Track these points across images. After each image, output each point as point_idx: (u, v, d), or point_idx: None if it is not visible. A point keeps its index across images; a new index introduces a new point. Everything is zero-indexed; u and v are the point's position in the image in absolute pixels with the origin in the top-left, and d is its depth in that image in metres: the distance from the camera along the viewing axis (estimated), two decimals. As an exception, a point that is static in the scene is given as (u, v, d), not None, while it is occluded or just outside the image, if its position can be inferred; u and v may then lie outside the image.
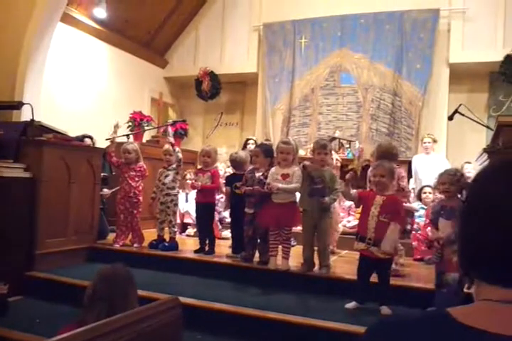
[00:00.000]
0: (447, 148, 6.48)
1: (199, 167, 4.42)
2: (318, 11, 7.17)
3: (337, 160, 4.50)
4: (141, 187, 4.44)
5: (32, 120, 3.91)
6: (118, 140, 4.67)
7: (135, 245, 4.38)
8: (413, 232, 4.40)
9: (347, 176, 3.22)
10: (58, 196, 3.93)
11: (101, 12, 6.61)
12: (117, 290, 1.81)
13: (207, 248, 4.24)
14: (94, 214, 4.37)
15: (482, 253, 0.64)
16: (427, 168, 5.38)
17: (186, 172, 5.60)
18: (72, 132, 4.43)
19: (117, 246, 4.32)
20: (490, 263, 0.63)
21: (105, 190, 4.84)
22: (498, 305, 0.61)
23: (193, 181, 4.41)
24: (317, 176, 3.55)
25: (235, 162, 4.32)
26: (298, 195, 3.79)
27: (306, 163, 3.59)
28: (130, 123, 6.11)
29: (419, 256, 4.29)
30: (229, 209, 4.44)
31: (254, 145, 5.18)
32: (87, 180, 4.26)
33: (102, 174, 4.67)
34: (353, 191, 3.23)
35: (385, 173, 3.03)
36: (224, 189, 4.45)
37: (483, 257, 0.64)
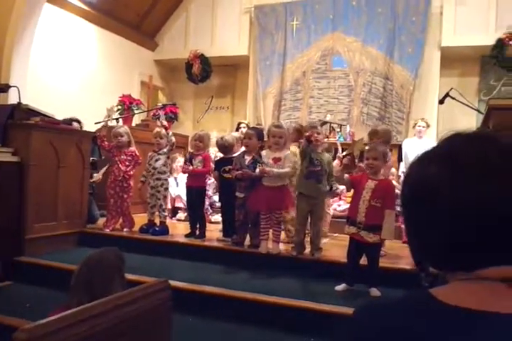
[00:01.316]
0: (437, 132, 6.49)
1: (190, 151, 4.38)
2: (310, -8, 7.07)
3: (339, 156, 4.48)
4: (131, 172, 4.41)
5: (19, 103, 3.85)
6: (103, 123, 4.62)
7: (125, 229, 4.37)
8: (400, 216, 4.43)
9: (344, 161, 3.22)
10: (47, 180, 3.89)
11: (89, -7, 6.47)
12: (98, 276, 1.79)
13: (197, 232, 4.24)
14: (83, 199, 4.34)
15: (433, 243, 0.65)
16: (416, 152, 5.36)
17: (176, 155, 5.57)
18: (60, 115, 4.36)
19: (107, 230, 4.31)
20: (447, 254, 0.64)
21: (95, 175, 4.80)
22: (477, 283, 0.62)
23: (185, 165, 4.37)
24: (315, 158, 3.53)
25: (222, 146, 4.28)
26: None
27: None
28: (119, 107, 6.03)
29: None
30: (218, 193, 4.44)
31: (246, 129, 5.14)
32: (75, 165, 4.22)
33: (91, 158, 4.63)
34: (346, 176, 3.24)
35: (377, 156, 3.04)
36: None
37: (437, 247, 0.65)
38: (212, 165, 4.52)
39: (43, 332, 1.20)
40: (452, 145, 0.68)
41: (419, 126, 5.71)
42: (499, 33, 6.14)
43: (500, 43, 6.11)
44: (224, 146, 4.25)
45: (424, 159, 0.69)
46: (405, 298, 0.66)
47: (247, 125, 5.81)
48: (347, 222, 3.13)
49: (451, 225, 0.62)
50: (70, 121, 4.74)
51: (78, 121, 4.88)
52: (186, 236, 4.22)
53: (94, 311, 1.40)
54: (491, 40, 6.17)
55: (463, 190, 0.62)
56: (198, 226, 4.25)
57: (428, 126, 5.76)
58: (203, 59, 7.61)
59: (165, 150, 4.37)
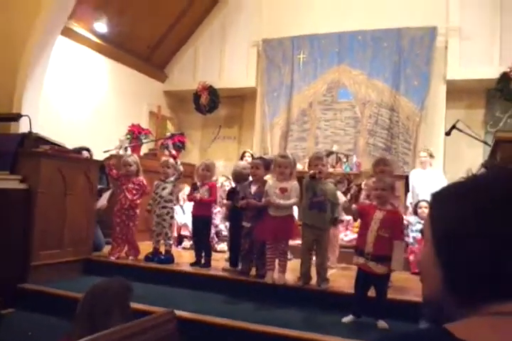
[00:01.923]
0: (444, 163, 6.50)
1: (196, 180, 4.39)
2: (316, 27, 7.26)
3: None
4: (138, 201, 4.43)
5: (29, 132, 3.92)
6: (114, 152, 4.68)
7: (130, 258, 4.35)
8: (410, 246, 4.38)
9: (351, 191, 3.24)
10: (54, 208, 3.90)
11: (101, 26, 6.69)
12: (100, 306, 1.77)
13: (203, 261, 4.21)
14: (89, 226, 4.34)
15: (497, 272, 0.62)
16: (423, 183, 5.38)
17: (183, 185, 5.60)
18: (71, 144, 4.42)
19: (113, 258, 4.29)
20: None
21: (99, 202, 4.80)
22: (498, 318, 0.60)
23: (191, 194, 4.35)
24: (319, 189, 3.54)
25: (240, 175, 4.19)
26: (295, 208, 3.79)
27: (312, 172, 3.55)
28: (128, 136, 6.11)
29: (416, 270, 4.26)
30: (227, 223, 4.41)
31: (250, 158, 5.18)
32: (83, 192, 4.25)
33: (99, 186, 4.66)
34: (353, 206, 3.24)
35: (386, 187, 3.06)
36: (224, 202, 4.43)
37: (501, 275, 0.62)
38: (222, 195, 4.53)
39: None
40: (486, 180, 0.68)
41: (421, 156, 5.74)
42: (504, 67, 6.23)
43: (504, 77, 6.19)
44: (241, 174, 4.23)
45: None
46: (420, 334, 0.64)
47: (251, 154, 5.85)
48: (355, 253, 3.10)
49: (493, 256, 0.62)
50: (79, 149, 4.81)
51: (88, 150, 4.95)
52: (192, 264, 4.18)
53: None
54: (495, 73, 6.25)
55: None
56: (203, 255, 4.23)
57: (431, 156, 5.78)
58: (211, 90, 7.75)
59: (172, 178, 4.39)
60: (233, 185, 4.98)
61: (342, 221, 4.38)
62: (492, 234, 0.62)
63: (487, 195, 0.65)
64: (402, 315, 2.92)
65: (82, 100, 6.69)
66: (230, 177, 5.69)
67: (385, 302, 3.00)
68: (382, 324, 2.90)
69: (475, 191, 0.67)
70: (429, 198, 0.76)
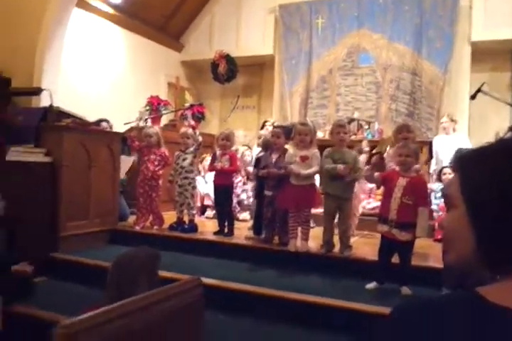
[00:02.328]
0: (469, 128, 6.34)
1: (217, 150, 4.39)
2: (335, -10, 7.02)
3: (367, 145, 4.42)
4: (160, 172, 4.47)
5: (51, 105, 3.94)
6: (135, 124, 4.69)
7: (155, 227, 4.43)
8: (434, 213, 4.35)
9: (373, 160, 3.19)
10: (79, 180, 3.97)
11: (116, -4, 6.59)
12: (126, 275, 1.81)
13: (226, 230, 4.26)
14: (114, 198, 4.42)
15: None
16: (447, 149, 5.26)
17: (204, 156, 5.62)
18: (90, 117, 4.45)
19: (138, 228, 4.38)
20: None
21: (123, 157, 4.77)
22: None
23: (215, 164, 4.34)
24: (338, 158, 3.51)
25: (269, 143, 4.11)
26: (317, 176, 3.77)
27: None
28: (148, 108, 6.11)
29: (439, 237, 4.25)
30: (250, 192, 4.42)
31: (271, 127, 5.14)
32: (106, 165, 4.30)
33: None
34: (376, 174, 3.20)
35: (410, 153, 3.02)
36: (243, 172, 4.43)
37: None
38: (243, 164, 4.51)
39: (83, 327, 1.23)
40: None
41: (442, 122, 5.60)
42: (531, 26, 5.95)
43: (532, 36, 5.92)
44: (270, 143, 4.11)
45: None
46: (452, 299, 0.64)
47: (272, 123, 5.81)
48: (379, 221, 3.09)
49: None
50: (99, 121, 4.85)
51: (107, 121, 4.99)
52: (215, 233, 4.25)
53: (128, 309, 1.41)
54: (522, 34, 5.99)
55: None
56: (226, 224, 4.28)
57: (453, 120, 5.62)
58: (228, 59, 7.63)
59: (191, 149, 4.41)
60: (253, 154, 4.98)
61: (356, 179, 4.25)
62: None
63: None
64: (426, 282, 2.93)
65: (100, 72, 6.68)
66: (250, 147, 5.69)
67: (409, 269, 3.01)
68: (405, 290, 2.92)
69: (508, 153, 0.65)
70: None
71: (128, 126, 5.18)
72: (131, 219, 4.65)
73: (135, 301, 1.47)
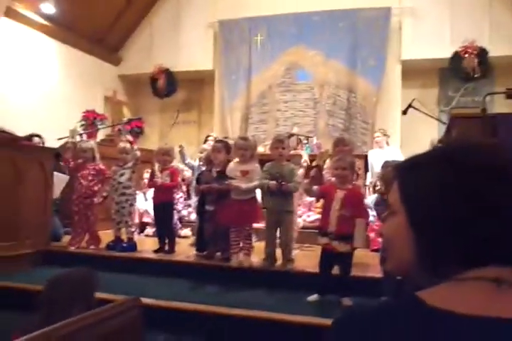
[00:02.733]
0: (401, 142, 6.65)
1: (157, 166, 4.28)
2: (272, 8, 7.20)
3: (305, 160, 4.49)
4: (96, 188, 4.29)
5: (-24, 120, 3.71)
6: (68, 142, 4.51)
7: (91, 247, 4.24)
8: (370, 224, 4.48)
9: (311, 173, 3.24)
10: (7, 199, 3.74)
11: (49, 7, 6.37)
12: (59, 297, 1.73)
13: (167, 247, 4.16)
14: (46, 217, 4.19)
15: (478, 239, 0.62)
16: (381, 162, 5.48)
17: (145, 172, 5.49)
18: (21, 132, 4.24)
19: (72, 248, 4.17)
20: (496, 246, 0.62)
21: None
22: (466, 283, 0.60)
23: (156, 179, 4.23)
24: (276, 172, 3.55)
25: (208, 159, 4.11)
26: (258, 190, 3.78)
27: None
28: (83, 122, 5.91)
29: (375, 247, 4.37)
30: (190, 209, 4.36)
31: (213, 142, 5.11)
32: (38, 182, 4.08)
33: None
34: (315, 187, 3.25)
35: (346, 166, 3.08)
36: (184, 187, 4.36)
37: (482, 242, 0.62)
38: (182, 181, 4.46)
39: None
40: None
41: (375, 136, 5.88)
42: (455, 46, 6.39)
43: (456, 56, 6.36)
44: (209, 158, 4.11)
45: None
46: (392, 305, 0.64)
47: (215, 138, 5.79)
48: (319, 233, 3.14)
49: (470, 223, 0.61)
50: (30, 136, 4.63)
51: (39, 136, 4.77)
52: (155, 251, 4.13)
53: (61, 332, 1.34)
54: (448, 53, 6.42)
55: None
56: (166, 241, 4.18)
57: (386, 135, 5.91)
58: (168, 73, 7.58)
59: (130, 164, 4.28)
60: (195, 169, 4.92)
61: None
62: (469, 199, 0.62)
63: (465, 159, 0.65)
64: (366, 292, 2.99)
65: (31, 86, 6.39)
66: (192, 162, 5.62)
67: (349, 280, 3.06)
68: (346, 301, 2.96)
69: (442, 158, 0.67)
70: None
71: (62, 142, 4.97)
72: (66, 239, 4.43)
73: (69, 324, 1.40)
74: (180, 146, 4.60)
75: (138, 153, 4.30)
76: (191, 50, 7.75)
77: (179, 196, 5.17)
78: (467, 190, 0.62)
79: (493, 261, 0.62)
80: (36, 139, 4.69)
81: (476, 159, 0.64)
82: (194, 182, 4.38)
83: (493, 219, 0.61)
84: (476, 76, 6.29)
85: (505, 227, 0.61)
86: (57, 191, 4.59)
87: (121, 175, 4.25)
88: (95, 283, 1.87)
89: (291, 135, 6.13)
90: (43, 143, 4.78)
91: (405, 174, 0.70)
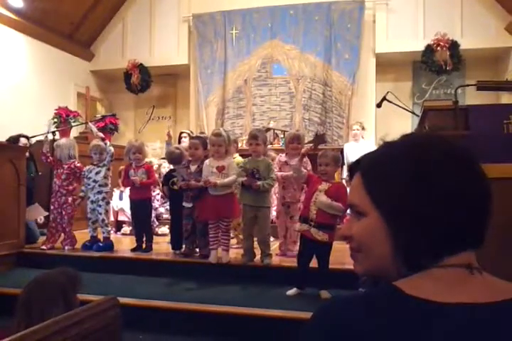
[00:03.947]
0: (376, 135, 6.71)
1: (130, 163, 4.19)
2: (247, 2, 7.15)
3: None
4: (71, 187, 4.21)
5: None
6: (41, 138, 4.41)
7: (67, 247, 4.15)
8: (346, 217, 4.53)
9: (303, 150, 3.25)
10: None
11: (17, 1, 6.19)
12: (37, 298, 1.69)
13: (144, 245, 4.11)
14: (20, 218, 4.10)
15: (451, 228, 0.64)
16: (358, 155, 5.51)
17: (120, 169, 5.40)
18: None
19: (44, 248, 4.09)
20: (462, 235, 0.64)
21: (37, 214, 4.53)
22: (442, 271, 0.62)
23: (133, 178, 4.11)
24: (252, 167, 3.54)
25: (172, 157, 4.04)
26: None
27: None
28: (55, 120, 5.78)
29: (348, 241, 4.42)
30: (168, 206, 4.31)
31: (187, 139, 5.06)
32: (9, 181, 3.99)
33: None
34: (304, 171, 3.26)
35: (329, 162, 3.10)
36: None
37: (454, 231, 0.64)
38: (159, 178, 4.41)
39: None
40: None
41: (354, 129, 5.93)
42: (428, 40, 6.47)
43: (428, 49, 6.44)
44: (173, 157, 4.03)
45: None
46: (371, 294, 0.65)
47: (188, 134, 5.72)
48: (299, 220, 3.16)
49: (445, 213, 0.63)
50: (17, 137, 4.56)
51: (26, 137, 4.68)
52: (132, 250, 4.08)
53: (40, 334, 1.32)
54: (420, 46, 6.50)
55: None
56: (144, 239, 4.13)
57: (363, 128, 5.97)
58: (141, 69, 7.48)
59: (105, 162, 4.21)
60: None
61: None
62: (439, 191, 0.63)
63: (427, 151, 0.66)
64: (344, 285, 3.01)
65: None
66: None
67: (327, 273, 3.08)
68: (325, 294, 2.99)
69: (411, 152, 0.67)
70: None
71: (34, 140, 4.87)
72: (42, 239, 4.33)
73: (45, 327, 1.38)
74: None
75: (112, 149, 4.23)
76: (165, 45, 7.65)
77: (155, 193, 5.12)
78: (429, 182, 0.63)
79: (464, 247, 0.64)
80: (23, 140, 4.60)
81: (433, 152, 0.66)
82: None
83: (458, 207, 0.63)
84: (448, 69, 6.38)
85: (471, 213, 0.64)
86: (29, 217, 4.42)
87: (97, 172, 4.18)
88: (78, 283, 1.84)
89: (268, 129, 6.14)
90: (30, 145, 4.69)
91: (370, 175, 0.70)
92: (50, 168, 4.55)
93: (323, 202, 3.00)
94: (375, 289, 0.65)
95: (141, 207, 4.17)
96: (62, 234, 4.22)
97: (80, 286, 1.84)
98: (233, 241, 4.29)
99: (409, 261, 0.65)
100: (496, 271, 0.67)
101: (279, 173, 3.81)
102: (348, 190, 3.30)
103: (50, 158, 4.22)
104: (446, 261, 0.63)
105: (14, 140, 4.54)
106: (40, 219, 4.64)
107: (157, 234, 4.87)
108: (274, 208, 4.19)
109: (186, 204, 3.85)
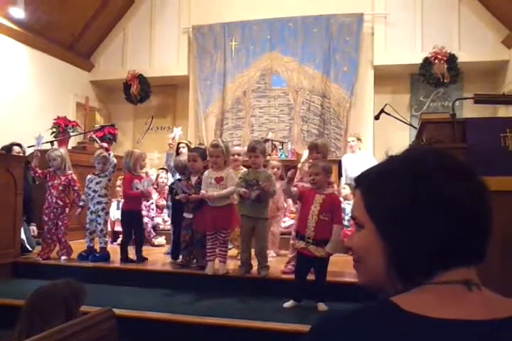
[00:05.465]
0: (374, 146, 6.74)
1: (131, 172, 4.19)
2: (247, 14, 7.22)
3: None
4: (67, 199, 4.20)
5: None
6: (42, 147, 4.40)
7: (63, 257, 4.12)
8: (344, 229, 4.52)
9: (288, 173, 3.24)
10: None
11: (18, 12, 6.24)
12: (39, 310, 1.68)
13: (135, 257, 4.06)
14: (16, 227, 4.07)
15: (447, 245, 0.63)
16: (355, 167, 5.55)
17: (118, 179, 5.39)
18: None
19: (39, 258, 4.06)
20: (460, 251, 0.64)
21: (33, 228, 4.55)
22: (440, 287, 0.61)
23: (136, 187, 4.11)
24: (252, 178, 3.54)
25: (180, 167, 4.08)
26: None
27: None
28: (54, 130, 5.79)
29: (351, 252, 4.40)
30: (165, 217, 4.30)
31: (185, 149, 5.06)
32: (6, 191, 3.97)
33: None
34: (294, 189, 3.25)
35: (319, 171, 3.09)
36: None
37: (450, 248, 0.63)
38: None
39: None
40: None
41: (349, 141, 5.97)
42: (426, 52, 6.54)
43: (427, 62, 6.50)
44: (180, 166, 4.07)
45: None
46: (367, 309, 0.64)
47: (186, 145, 5.71)
48: (296, 237, 3.13)
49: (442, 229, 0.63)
50: (11, 145, 4.55)
51: (20, 145, 4.67)
52: (122, 260, 4.02)
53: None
54: (419, 59, 6.55)
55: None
56: (130, 250, 4.09)
57: (359, 140, 6.00)
58: (141, 79, 7.51)
59: (107, 172, 4.20)
60: (170, 177, 4.86)
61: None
62: (434, 206, 0.63)
63: (423, 165, 0.66)
64: (341, 297, 3.00)
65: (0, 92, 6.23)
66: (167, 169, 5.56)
67: (325, 285, 3.06)
68: (322, 306, 2.96)
69: (406, 168, 0.67)
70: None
71: (32, 150, 4.86)
72: (38, 250, 4.30)
73: (44, 337, 1.36)
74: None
75: (115, 160, 4.22)
76: (165, 56, 7.70)
77: (149, 203, 5.09)
78: (424, 197, 0.63)
79: (460, 263, 0.64)
80: (16, 148, 4.59)
81: (427, 166, 0.66)
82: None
83: (449, 222, 0.63)
84: (445, 81, 6.43)
85: (465, 228, 0.63)
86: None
87: (98, 182, 4.16)
88: (82, 296, 1.82)
89: (266, 140, 6.16)
90: (24, 153, 4.68)
91: (369, 186, 0.71)
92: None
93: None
94: (371, 304, 0.64)
95: (131, 218, 4.14)
96: (58, 244, 4.19)
97: (84, 299, 1.83)
98: (234, 252, 4.28)
99: (401, 276, 0.65)
100: (496, 285, 0.67)
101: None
102: (341, 200, 3.33)
103: (39, 171, 4.19)
104: (441, 277, 0.63)
105: (7, 149, 4.51)
106: (33, 231, 4.62)
107: (153, 245, 4.85)
108: (286, 219, 4.13)
109: (187, 215, 3.84)
